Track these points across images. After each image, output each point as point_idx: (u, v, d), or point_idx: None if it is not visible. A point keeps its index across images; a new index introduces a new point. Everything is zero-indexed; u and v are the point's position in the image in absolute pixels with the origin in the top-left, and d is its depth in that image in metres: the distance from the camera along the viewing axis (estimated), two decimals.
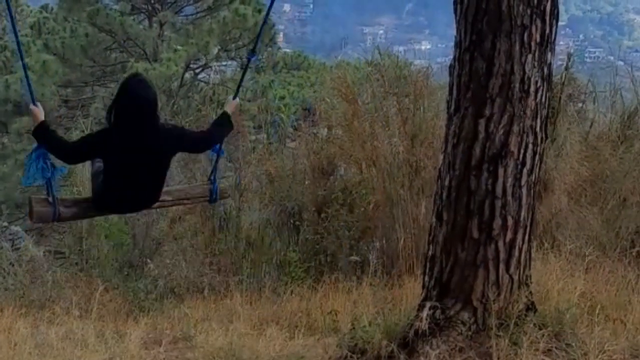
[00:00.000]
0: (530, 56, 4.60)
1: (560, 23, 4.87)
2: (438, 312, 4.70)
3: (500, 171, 4.65)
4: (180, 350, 5.91)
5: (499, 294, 4.66)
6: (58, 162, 5.20)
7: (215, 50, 17.73)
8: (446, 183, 4.81)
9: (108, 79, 17.94)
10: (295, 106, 17.40)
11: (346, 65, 15.39)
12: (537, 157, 4.73)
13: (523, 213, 4.71)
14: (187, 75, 17.83)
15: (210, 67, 18.35)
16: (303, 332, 6.26)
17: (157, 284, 8.29)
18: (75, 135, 11.94)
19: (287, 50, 25.33)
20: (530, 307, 4.79)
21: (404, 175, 8.08)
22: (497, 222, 4.67)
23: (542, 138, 4.75)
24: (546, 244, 6.55)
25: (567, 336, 4.65)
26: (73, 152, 5.15)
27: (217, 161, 5.73)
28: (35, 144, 5.12)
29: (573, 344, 4.59)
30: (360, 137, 8.47)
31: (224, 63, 18.68)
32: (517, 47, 4.58)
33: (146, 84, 5.19)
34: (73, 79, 17.70)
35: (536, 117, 4.67)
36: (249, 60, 6.34)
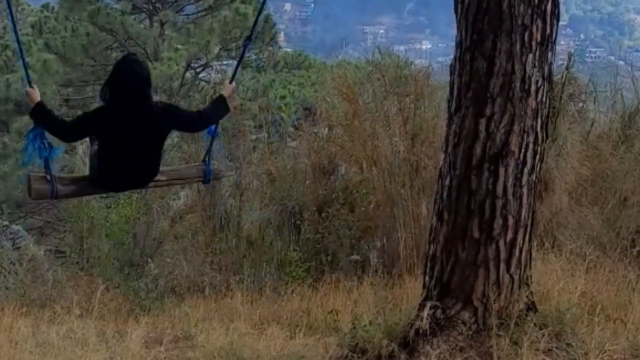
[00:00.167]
0: (531, 56, 4.60)
1: (561, 23, 4.88)
2: (439, 311, 4.70)
3: (501, 171, 4.65)
4: (181, 350, 5.92)
5: (499, 294, 4.67)
6: (55, 142, 5.29)
7: (216, 50, 17.73)
8: (447, 183, 4.81)
9: None
10: (295, 105, 17.41)
11: (347, 64, 15.41)
12: (537, 156, 4.73)
13: (524, 213, 4.71)
14: (188, 74, 17.84)
15: (211, 66, 18.35)
16: (304, 331, 6.26)
17: (157, 283, 8.30)
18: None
19: (288, 49, 25.33)
20: (531, 307, 4.79)
21: (404, 174, 8.08)
22: (498, 222, 4.67)
23: (542, 138, 4.75)
24: (547, 244, 6.55)
25: (567, 336, 4.65)
26: (70, 130, 5.28)
27: (211, 143, 5.80)
28: (32, 125, 5.22)
29: (573, 344, 4.59)
30: (361, 137, 8.47)
31: (224, 62, 18.67)
32: (518, 47, 4.58)
33: (139, 63, 5.37)
34: (74, 78, 17.70)
35: (537, 117, 4.67)
36: (244, 47, 6.45)
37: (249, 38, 6.17)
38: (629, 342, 4.80)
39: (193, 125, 5.83)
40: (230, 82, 5.78)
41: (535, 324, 4.64)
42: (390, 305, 6.22)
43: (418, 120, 8.23)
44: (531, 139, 4.67)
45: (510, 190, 4.66)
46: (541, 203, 6.85)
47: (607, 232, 7.04)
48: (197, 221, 9.10)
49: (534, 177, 4.74)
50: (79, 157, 9.86)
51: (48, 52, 17.07)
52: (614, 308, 5.41)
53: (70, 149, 10.22)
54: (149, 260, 8.78)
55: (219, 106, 5.61)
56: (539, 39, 4.61)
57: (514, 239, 4.70)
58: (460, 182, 4.74)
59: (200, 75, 18.85)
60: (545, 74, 4.69)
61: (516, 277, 4.74)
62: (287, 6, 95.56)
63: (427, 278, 4.94)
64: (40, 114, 5.13)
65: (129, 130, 5.06)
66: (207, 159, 5.77)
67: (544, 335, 4.57)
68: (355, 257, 8.12)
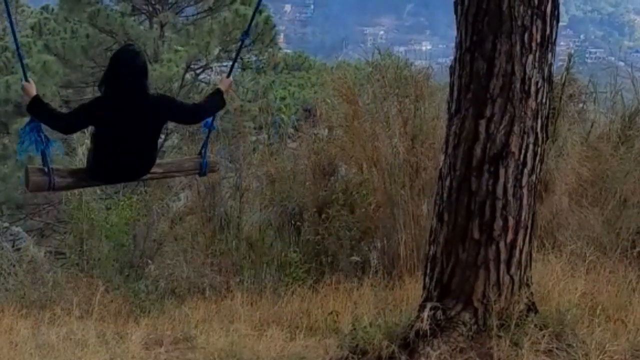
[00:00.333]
0: (531, 57, 4.60)
1: (560, 24, 4.88)
2: (439, 312, 4.70)
3: (501, 172, 4.65)
4: (181, 351, 5.91)
5: (499, 295, 4.67)
6: (52, 135, 5.31)
7: (216, 51, 17.72)
8: (447, 184, 4.81)
9: None
10: (295, 107, 17.42)
11: (347, 65, 15.41)
12: (537, 157, 4.74)
13: (524, 214, 4.71)
14: (187, 76, 17.82)
15: (211, 67, 18.34)
16: (304, 332, 6.26)
17: (157, 284, 8.29)
18: (76, 135, 11.92)
19: (288, 51, 25.34)
20: (531, 308, 4.79)
21: (404, 175, 8.08)
22: (498, 223, 4.67)
23: (542, 138, 4.75)
24: (547, 245, 6.55)
25: (568, 337, 4.65)
26: (68, 123, 5.31)
27: (208, 136, 5.81)
28: (28, 118, 5.24)
29: (574, 345, 4.59)
30: (360, 138, 8.47)
31: (224, 64, 18.64)
32: (518, 48, 4.58)
33: (135, 53, 5.40)
34: (74, 79, 17.68)
35: (537, 118, 4.67)
36: (242, 40, 6.38)
37: (246, 33, 6.17)
38: (630, 342, 4.80)
39: (188, 117, 5.84)
40: (228, 77, 5.79)
41: (535, 325, 4.64)
42: (390, 307, 6.22)
43: (418, 121, 8.23)
44: (531, 140, 4.67)
45: (510, 191, 4.66)
46: (541, 204, 6.85)
47: (607, 233, 7.04)
48: (197, 223, 9.09)
49: (534, 178, 4.74)
50: (78, 159, 9.86)
51: (48, 54, 17.05)
52: (615, 309, 5.41)
53: (70, 150, 10.23)
54: (149, 261, 8.77)
55: (216, 100, 5.62)
56: (538, 40, 4.61)
57: (514, 240, 4.70)
58: (460, 183, 4.74)
59: (200, 76, 18.83)
60: (545, 75, 4.69)
61: (516, 278, 4.74)
62: (287, 7, 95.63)
63: (427, 279, 4.94)
64: (37, 108, 5.14)
65: (125, 120, 5.07)
66: (203, 151, 5.77)
67: (544, 336, 4.57)
68: (355, 258, 8.12)
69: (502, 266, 4.70)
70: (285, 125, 12.03)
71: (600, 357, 4.53)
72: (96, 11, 16.87)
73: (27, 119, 5.28)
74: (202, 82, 18.74)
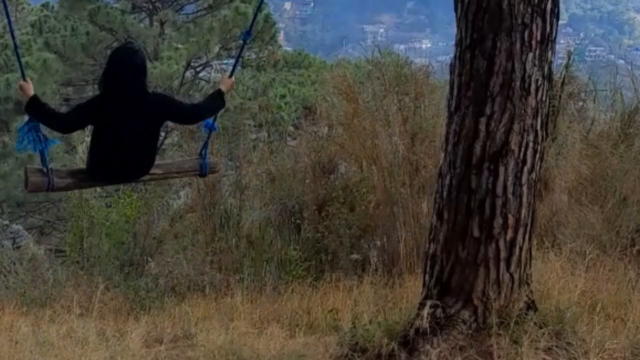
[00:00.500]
0: (531, 55, 4.60)
1: (560, 22, 4.88)
2: (439, 310, 4.70)
3: (501, 170, 4.65)
4: (181, 349, 5.92)
5: (499, 293, 4.67)
6: (51, 134, 5.35)
7: (216, 49, 17.72)
8: (447, 182, 4.81)
9: None
10: (295, 104, 17.41)
11: (347, 63, 15.43)
12: (537, 155, 4.74)
13: (523, 212, 4.71)
14: (188, 73, 17.82)
15: (211, 65, 18.35)
16: (304, 330, 6.26)
17: (157, 282, 8.28)
18: (76, 134, 11.92)
19: (288, 48, 25.30)
20: (531, 306, 4.80)
21: (404, 173, 8.08)
22: (498, 221, 4.67)
23: (542, 136, 4.75)
24: (547, 243, 6.55)
25: (567, 335, 4.66)
26: (66, 122, 5.31)
27: (208, 137, 5.79)
28: (27, 117, 5.22)
29: (573, 343, 4.60)
30: (360, 136, 8.47)
31: (224, 61, 18.65)
32: (518, 46, 4.59)
33: (134, 51, 5.36)
34: (74, 77, 17.69)
35: (537, 116, 4.68)
36: (244, 40, 6.29)
37: (248, 33, 6.11)
38: (629, 340, 4.80)
39: (187, 118, 5.83)
40: (230, 77, 5.75)
41: (535, 323, 4.65)
42: (390, 304, 6.23)
43: (418, 119, 8.24)
44: (531, 137, 4.67)
45: (510, 189, 4.66)
46: (541, 202, 6.85)
47: (607, 231, 7.04)
48: (197, 220, 9.09)
49: (533, 176, 4.74)
50: (78, 157, 9.86)
51: (48, 51, 17.05)
52: (614, 307, 5.41)
53: (71, 149, 10.23)
54: (149, 259, 8.77)
55: (216, 100, 5.58)
56: (538, 38, 4.61)
57: (514, 238, 4.71)
58: (460, 181, 4.74)
59: (200, 74, 18.84)
60: (545, 72, 4.69)
61: (516, 276, 4.74)
62: (287, 5, 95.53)
63: (427, 277, 4.94)
64: (35, 108, 5.12)
65: (124, 119, 5.05)
66: (204, 152, 5.75)
67: (544, 334, 4.57)
68: (355, 256, 8.12)
69: (502, 264, 4.70)
70: (285, 123, 12.02)
71: (600, 355, 4.53)
72: (96, 9, 16.87)
73: (26, 118, 5.27)
74: (202, 80, 18.75)
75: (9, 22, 5.57)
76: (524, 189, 4.69)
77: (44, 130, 5.23)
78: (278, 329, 6.21)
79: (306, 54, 22.25)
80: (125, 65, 5.12)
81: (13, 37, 5.60)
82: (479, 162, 4.67)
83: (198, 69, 18.65)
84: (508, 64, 4.60)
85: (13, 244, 10.78)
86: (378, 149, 8.28)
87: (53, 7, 19.54)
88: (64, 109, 17.42)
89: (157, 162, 5.50)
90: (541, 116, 4.70)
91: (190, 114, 5.70)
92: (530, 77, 4.62)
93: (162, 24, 17.84)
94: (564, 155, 7.54)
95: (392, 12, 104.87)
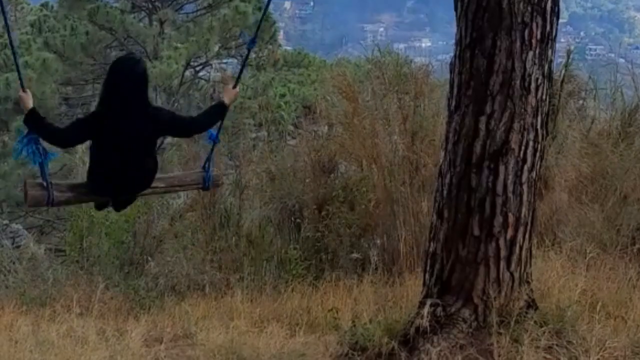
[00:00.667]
0: (531, 53, 4.60)
1: (561, 20, 4.87)
2: (439, 309, 4.70)
3: (501, 168, 4.65)
4: (181, 348, 5.91)
5: (499, 292, 4.67)
6: (49, 146, 5.21)
7: (216, 48, 17.74)
8: (447, 180, 4.81)
9: None
10: (295, 104, 17.42)
11: (346, 62, 15.42)
12: (537, 154, 4.73)
13: (524, 210, 4.71)
14: (187, 73, 17.84)
15: (211, 64, 18.37)
16: (304, 329, 6.26)
17: (157, 281, 8.28)
18: None
19: (288, 47, 25.30)
20: (531, 305, 4.79)
21: (404, 172, 8.08)
22: (498, 220, 4.67)
23: (542, 135, 4.75)
24: (547, 241, 6.55)
25: (568, 333, 4.65)
26: (65, 137, 5.21)
27: (212, 150, 5.72)
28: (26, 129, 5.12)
29: (574, 341, 4.59)
30: (360, 135, 8.47)
31: (224, 61, 18.68)
32: (518, 45, 4.58)
33: (134, 62, 5.23)
34: (73, 77, 17.70)
35: (537, 115, 4.67)
36: (249, 49, 6.14)
37: (252, 41, 5.98)
38: (630, 339, 4.80)
39: (187, 132, 5.77)
40: (234, 87, 5.57)
41: (535, 322, 4.64)
42: (390, 303, 6.23)
43: (418, 118, 8.23)
44: (531, 136, 4.67)
45: (510, 188, 4.66)
46: (541, 200, 6.85)
47: (607, 230, 7.03)
48: (197, 220, 9.09)
49: (534, 174, 4.73)
50: (78, 157, 9.86)
51: (47, 51, 17.06)
52: (615, 305, 5.41)
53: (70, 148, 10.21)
54: (149, 258, 8.77)
55: (217, 112, 5.49)
56: (538, 37, 4.61)
57: (514, 237, 4.70)
58: (460, 179, 4.74)
59: (200, 73, 18.86)
60: (545, 71, 4.69)
61: (516, 275, 4.74)
62: (287, 4, 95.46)
63: (427, 276, 4.94)
64: (34, 121, 5.02)
65: (123, 133, 4.97)
66: (207, 165, 5.64)
67: (544, 332, 4.57)
68: (355, 255, 8.11)
69: (502, 263, 4.70)
70: (285, 122, 12.01)
71: (600, 353, 4.53)
72: (96, 8, 16.88)
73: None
74: (202, 79, 18.77)
75: (7, 26, 5.37)
76: (524, 187, 4.69)
77: (44, 142, 5.13)
78: (278, 328, 6.21)
79: (306, 53, 22.27)
80: (125, 78, 5.02)
81: (11, 43, 5.51)
82: (479, 161, 4.67)
83: (198, 68, 18.66)
84: (508, 62, 4.59)
85: (13, 244, 10.78)
86: (378, 148, 8.28)
87: (52, 6, 19.54)
88: (63, 108, 17.49)
89: (159, 175, 5.42)
90: (541, 115, 4.70)
91: (190, 128, 5.58)
92: (530, 75, 4.62)
93: (161, 23, 17.85)
94: (564, 154, 7.54)
95: (392, 11, 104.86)
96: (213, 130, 5.64)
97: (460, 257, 4.73)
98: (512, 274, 4.72)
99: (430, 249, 4.93)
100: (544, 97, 4.70)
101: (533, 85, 4.63)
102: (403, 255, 7.74)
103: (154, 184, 5.35)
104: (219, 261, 8.43)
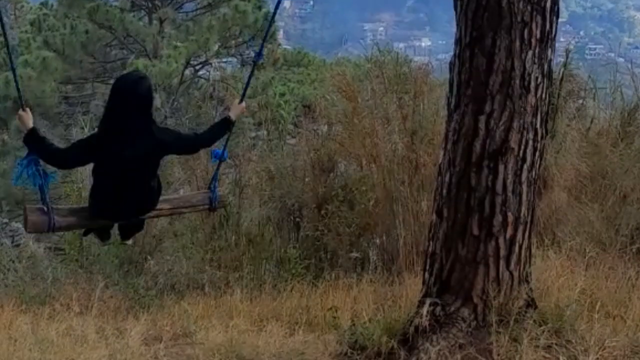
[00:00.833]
0: (530, 53, 4.60)
1: (560, 20, 4.87)
2: (438, 308, 4.70)
3: (501, 168, 4.64)
4: (181, 347, 5.91)
5: (499, 291, 4.66)
6: (50, 168, 5.11)
7: (216, 47, 17.73)
8: (446, 180, 4.81)
9: (108, 76, 17.95)
10: (295, 103, 17.42)
11: (346, 62, 15.42)
12: (537, 153, 4.73)
13: (523, 210, 4.71)
14: (187, 72, 17.83)
15: (211, 63, 18.35)
16: (303, 328, 6.26)
17: (157, 280, 8.29)
18: (75, 132, 11.93)
19: (287, 47, 25.31)
20: (531, 304, 4.79)
21: (404, 172, 8.08)
22: (498, 219, 4.66)
23: (542, 134, 4.74)
24: (546, 241, 6.55)
25: (567, 332, 4.65)
26: (65, 159, 5.04)
27: (218, 168, 5.64)
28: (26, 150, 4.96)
29: (573, 341, 4.59)
30: (360, 134, 8.47)
31: (224, 60, 18.67)
32: (518, 44, 4.58)
33: (136, 80, 5.01)
34: (73, 75, 17.70)
35: (536, 114, 4.67)
36: (254, 63, 5.98)
37: (259, 54, 5.81)
38: (629, 338, 4.80)
39: (192, 150, 5.64)
40: (240, 102, 5.47)
41: (534, 321, 4.64)
42: (389, 302, 6.23)
43: (417, 117, 8.23)
44: (531, 135, 4.67)
45: (509, 187, 4.66)
46: (540, 200, 6.85)
47: (606, 229, 7.04)
48: (197, 219, 9.09)
49: (533, 173, 4.73)
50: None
51: (47, 50, 17.06)
52: (614, 305, 5.41)
53: None
54: (149, 257, 8.77)
55: (222, 128, 5.39)
56: (538, 36, 4.60)
57: (514, 236, 4.70)
58: (459, 179, 4.73)
59: (200, 72, 18.86)
60: (545, 70, 4.68)
61: (516, 274, 4.74)
62: (287, 3, 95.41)
63: (426, 275, 4.94)
64: (34, 141, 4.88)
65: (126, 156, 4.81)
66: (213, 185, 5.58)
67: (543, 331, 4.57)
68: (354, 254, 8.12)
69: (502, 262, 4.69)
70: (284, 121, 12.01)
71: (600, 353, 4.53)
72: (95, 7, 16.88)
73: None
74: (202, 78, 18.77)
75: (4, 32, 5.16)
76: (524, 186, 4.69)
77: (44, 164, 4.98)
78: (277, 327, 6.21)
79: (306, 52, 22.28)
80: (127, 97, 4.82)
81: (8, 50, 5.41)
82: (478, 160, 4.66)
83: (197, 67, 18.66)
84: (507, 62, 4.59)
85: (12, 242, 10.79)
86: (377, 147, 8.28)
87: (52, 5, 19.53)
88: (63, 107, 17.48)
89: (165, 196, 5.31)
90: (541, 114, 4.70)
91: (195, 146, 5.45)
92: (529, 75, 4.61)
93: (161, 22, 17.85)
94: (564, 153, 7.54)
95: (392, 10, 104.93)
96: (219, 149, 5.57)
97: (459, 256, 4.73)
98: (511, 273, 4.72)
99: (430, 248, 4.93)
100: (543, 96, 4.70)
101: (532, 85, 4.62)
102: (402, 255, 7.75)
103: (159, 206, 5.24)
104: (218, 260, 8.43)
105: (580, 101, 8.48)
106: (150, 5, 18.16)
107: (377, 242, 8.33)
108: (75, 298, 7.14)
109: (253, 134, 11.81)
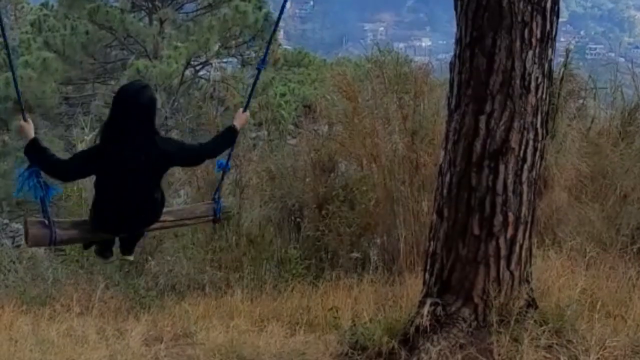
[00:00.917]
0: (530, 52, 4.60)
1: (560, 19, 4.87)
2: (439, 308, 4.70)
3: (501, 168, 4.64)
4: (181, 347, 5.92)
5: (499, 291, 4.67)
6: (52, 181, 5.00)
7: (216, 47, 17.72)
8: (447, 179, 4.81)
9: (108, 77, 17.97)
10: (295, 103, 17.41)
11: (346, 62, 15.43)
12: (537, 153, 4.73)
13: (524, 209, 4.71)
14: (187, 72, 17.82)
15: (211, 64, 18.33)
16: (304, 328, 6.26)
17: (157, 281, 8.29)
18: (75, 132, 11.93)
19: (288, 47, 25.30)
20: (531, 304, 4.79)
21: (404, 172, 8.08)
22: (498, 219, 4.66)
23: (542, 134, 4.75)
24: (547, 241, 6.56)
25: (567, 332, 4.65)
26: (66, 171, 4.91)
27: (221, 179, 5.59)
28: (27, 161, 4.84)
29: (574, 340, 4.60)
30: (360, 134, 8.47)
31: (224, 60, 18.65)
32: (518, 44, 4.58)
33: (138, 90, 4.88)
34: (73, 76, 17.68)
35: (537, 114, 4.67)
36: (258, 70, 5.77)
37: (262, 61, 5.70)
38: (630, 338, 4.80)
39: (197, 161, 5.51)
40: (244, 111, 5.36)
41: (535, 321, 4.65)
42: (390, 303, 6.23)
43: (418, 117, 8.23)
44: (531, 135, 4.67)
45: (510, 187, 4.66)
46: (541, 200, 6.85)
47: (607, 229, 7.04)
48: None
49: (534, 173, 4.73)
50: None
51: (47, 50, 17.05)
52: (614, 304, 5.41)
53: (70, 147, 10.21)
54: (149, 258, 8.77)
55: (227, 138, 5.30)
56: (538, 36, 4.61)
57: (514, 236, 4.70)
58: (460, 179, 4.73)
59: (200, 73, 18.85)
60: (545, 70, 4.69)
61: (516, 274, 4.74)
62: (287, 4, 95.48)
63: (427, 275, 4.94)
64: (35, 152, 4.74)
65: (128, 167, 4.71)
66: (217, 196, 5.51)
67: (544, 331, 4.57)
68: (355, 254, 8.12)
69: (502, 262, 4.70)
70: (285, 121, 12.01)
71: (600, 352, 4.53)
72: (96, 8, 16.87)
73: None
74: (202, 78, 18.76)
75: (4, 35, 5.01)
76: (524, 186, 4.69)
77: (46, 176, 4.85)
78: (278, 327, 6.21)
79: (306, 52, 22.26)
80: (130, 108, 4.70)
81: (8, 54, 5.34)
82: (479, 160, 4.67)
83: (198, 68, 18.65)
84: (508, 62, 4.59)
85: (13, 243, 10.79)
86: (378, 147, 8.28)
87: (52, 6, 19.51)
88: (64, 108, 17.47)
89: (168, 208, 5.24)
90: (541, 114, 4.70)
91: (199, 156, 5.32)
92: (530, 75, 4.61)
93: (161, 22, 17.84)
94: (564, 153, 7.54)
95: (392, 10, 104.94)
96: (223, 159, 5.51)
97: (460, 256, 4.73)
98: (512, 273, 4.72)
99: (430, 248, 4.93)
100: (543, 96, 4.70)
101: (533, 85, 4.62)
102: (403, 255, 7.75)
103: (162, 218, 5.16)
104: (219, 260, 8.43)
105: (581, 101, 8.48)
106: (150, 5, 18.15)
107: (377, 242, 8.34)
108: (75, 299, 7.14)
109: (254, 134, 11.79)
